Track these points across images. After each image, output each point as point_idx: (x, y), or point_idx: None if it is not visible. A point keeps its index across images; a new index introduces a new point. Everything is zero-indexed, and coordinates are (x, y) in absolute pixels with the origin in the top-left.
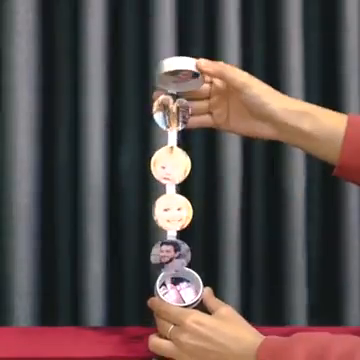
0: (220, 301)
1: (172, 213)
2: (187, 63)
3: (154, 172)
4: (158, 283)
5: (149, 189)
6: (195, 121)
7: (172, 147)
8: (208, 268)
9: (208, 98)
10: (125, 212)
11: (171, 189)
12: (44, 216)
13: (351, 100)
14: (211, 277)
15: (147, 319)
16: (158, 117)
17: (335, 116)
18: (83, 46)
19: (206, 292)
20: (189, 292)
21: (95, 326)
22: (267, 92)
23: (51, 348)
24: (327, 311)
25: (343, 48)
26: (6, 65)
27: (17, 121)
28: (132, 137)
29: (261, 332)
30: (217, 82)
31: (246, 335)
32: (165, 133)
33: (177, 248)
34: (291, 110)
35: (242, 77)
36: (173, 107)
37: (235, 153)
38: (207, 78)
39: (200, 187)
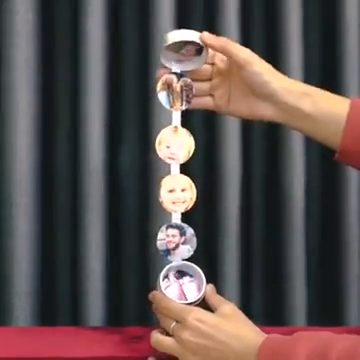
0: (223, 298)
1: (176, 195)
2: (191, 35)
3: (159, 151)
4: (161, 275)
5: (149, 189)
6: (196, 103)
7: (176, 127)
8: (208, 267)
9: (210, 80)
10: (125, 212)
11: (175, 169)
12: (44, 216)
13: (352, 93)
14: (211, 276)
15: (147, 319)
16: (162, 96)
17: (337, 99)
18: (83, 46)
19: (208, 289)
20: (191, 288)
21: (95, 326)
22: (269, 71)
23: (51, 348)
24: (327, 311)
25: (343, 48)
26: (6, 65)
27: (17, 121)
28: (132, 137)
29: None
30: (219, 63)
31: (248, 333)
32: None
33: (182, 232)
34: (292, 90)
35: (245, 53)
36: (177, 86)
37: (235, 151)
38: (208, 59)
39: (200, 185)
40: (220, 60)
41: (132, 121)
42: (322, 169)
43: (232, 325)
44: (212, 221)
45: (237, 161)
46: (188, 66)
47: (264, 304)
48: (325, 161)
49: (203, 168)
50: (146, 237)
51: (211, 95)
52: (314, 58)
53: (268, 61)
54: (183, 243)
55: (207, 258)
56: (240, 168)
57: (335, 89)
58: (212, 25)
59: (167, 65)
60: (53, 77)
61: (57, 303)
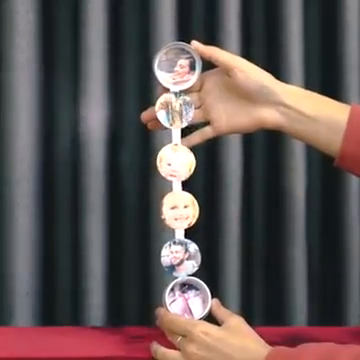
0: (229, 311)
1: (179, 211)
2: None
3: (160, 169)
4: (167, 291)
5: (149, 189)
6: (197, 137)
7: (177, 144)
8: (208, 268)
9: (200, 106)
10: (125, 212)
11: (177, 186)
12: (44, 216)
13: (351, 100)
14: (211, 277)
15: (147, 319)
16: (161, 115)
17: (337, 105)
18: (83, 46)
19: (214, 303)
20: (197, 302)
21: (95, 326)
22: (261, 72)
23: (51, 348)
24: (327, 311)
25: (343, 49)
26: (6, 65)
27: (17, 121)
28: (132, 137)
29: (261, 332)
30: (206, 85)
31: (253, 346)
32: (166, 132)
33: (186, 248)
34: (293, 92)
35: (233, 58)
36: (176, 105)
37: (235, 153)
38: (195, 87)
39: (201, 186)
40: (208, 82)
41: (132, 121)
42: (323, 170)
43: (238, 338)
44: (213, 222)
45: (238, 162)
46: (185, 84)
47: (265, 304)
48: (326, 162)
49: (204, 169)
50: (146, 237)
51: (206, 123)
52: (314, 59)
53: (268, 62)
54: (187, 259)
55: (208, 258)
56: (241, 169)
57: (335, 90)
58: (212, 26)
59: (165, 85)
60: (53, 77)
61: (57, 303)
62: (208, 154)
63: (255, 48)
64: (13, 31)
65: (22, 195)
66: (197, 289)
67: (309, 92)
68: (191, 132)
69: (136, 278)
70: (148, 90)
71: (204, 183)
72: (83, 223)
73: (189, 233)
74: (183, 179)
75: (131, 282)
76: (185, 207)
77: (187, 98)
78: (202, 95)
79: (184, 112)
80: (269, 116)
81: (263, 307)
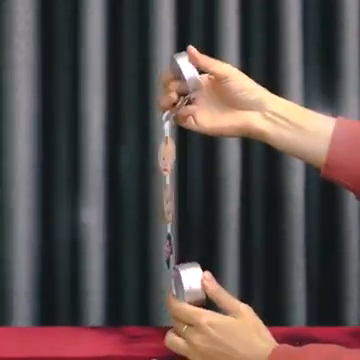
0: (233, 298)
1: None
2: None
3: (161, 164)
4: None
5: (149, 189)
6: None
7: (166, 137)
8: (208, 267)
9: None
10: (125, 212)
11: (167, 180)
12: (44, 216)
13: (350, 100)
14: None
15: (147, 319)
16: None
17: (323, 116)
18: (83, 46)
19: (219, 290)
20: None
21: (94, 326)
22: (249, 80)
23: (50, 348)
24: (327, 311)
25: (343, 49)
26: (6, 65)
27: (17, 121)
28: (132, 137)
29: None
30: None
31: (259, 342)
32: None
33: (170, 241)
34: (281, 102)
35: (226, 67)
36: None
37: (234, 154)
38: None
39: (199, 186)
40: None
41: (132, 121)
42: None
43: (245, 332)
44: (212, 221)
45: (237, 161)
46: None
47: (264, 304)
48: None
49: (203, 169)
50: (145, 237)
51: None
52: (314, 59)
53: (267, 63)
54: (171, 253)
55: (207, 258)
56: (240, 168)
57: (335, 90)
58: (212, 27)
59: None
60: (53, 77)
61: (57, 303)
62: (207, 154)
63: (254, 48)
64: (12, 31)
65: (22, 195)
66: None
67: (297, 105)
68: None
69: (135, 278)
70: (148, 90)
71: (203, 183)
72: (82, 223)
73: (188, 233)
74: (169, 171)
75: (130, 282)
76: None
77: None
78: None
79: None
80: (255, 121)
81: (262, 307)
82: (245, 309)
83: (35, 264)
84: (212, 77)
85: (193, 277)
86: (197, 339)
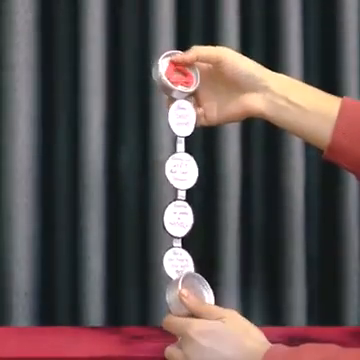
0: (219, 308)
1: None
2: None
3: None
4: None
5: (149, 189)
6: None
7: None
8: (208, 268)
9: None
10: (125, 212)
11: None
12: (44, 216)
13: (352, 94)
14: (211, 277)
15: (147, 319)
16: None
17: (326, 95)
18: (83, 46)
19: (198, 305)
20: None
21: (94, 326)
22: (246, 61)
23: (50, 348)
24: (327, 311)
25: (343, 48)
26: (6, 65)
27: (17, 121)
28: (132, 137)
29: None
30: (201, 78)
31: (250, 344)
32: (165, 132)
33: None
34: (280, 80)
35: (219, 50)
36: None
37: (234, 151)
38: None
39: (199, 186)
40: (203, 75)
41: (132, 121)
42: (322, 168)
43: (233, 336)
44: (212, 221)
45: (237, 161)
46: (189, 88)
47: (264, 304)
48: (325, 162)
49: (203, 168)
50: (145, 238)
51: (200, 111)
52: (314, 59)
53: (267, 61)
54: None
55: (207, 258)
56: (240, 168)
57: (335, 89)
58: (211, 26)
59: (173, 95)
60: (53, 77)
61: (57, 303)
62: (206, 153)
63: (254, 48)
64: (12, 31)
65: (21, 195)
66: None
67: (298, 82)
68: None
69: (135, 278)
70: (148, 90)
71: (202, 182)
72: (83, 223)
73: (188, 234)
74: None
75: (130, 282)
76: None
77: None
78: (198, 88)
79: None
80: (255, 103)
81: (262, 307)
82: (230, 314)
83: (35, 264)
84: (210, 65)
85: (175, 291)
86: (189, 349)
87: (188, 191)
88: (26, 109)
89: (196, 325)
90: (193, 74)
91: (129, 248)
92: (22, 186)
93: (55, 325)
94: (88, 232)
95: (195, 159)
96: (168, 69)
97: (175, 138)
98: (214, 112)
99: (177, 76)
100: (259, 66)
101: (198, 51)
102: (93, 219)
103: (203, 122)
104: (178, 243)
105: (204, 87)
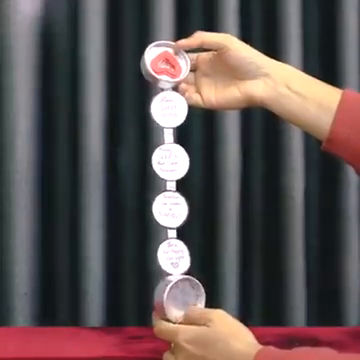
0: (206, 310)
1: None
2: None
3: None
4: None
5: (148, 190)
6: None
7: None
8: (207, 268)
9: (193, 83)
10: (124, 212)
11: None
12: (44, 216)
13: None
14: (210, 277)
15: (146, 319)
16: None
17: (327, 86)
18: (83, 46)
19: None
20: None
21: (94, 326)
22: (250, 49)
23: (50, 348)
24: (327, 311)
25: (343, 48)
26: (6, 66)
27: (17, 121)
28: (132, 137)
29: (260, 332)
30: (200, 65)
31: (239, 347)
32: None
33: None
34: (282, 67)
35: (223, 36)
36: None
37: (234, 151)
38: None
39: (198, 187)
40: (202, 62)
41: (132, 121)
42: (322, 169)
43: (220, 341)
44: (211, 222)
45: (236, 161)
46: (175, 79)
47: (264, 304)
48: (325, 161)
49: (202, 168)
50: (145, 238)
51: (199, 93)
52: (314, 58)
53: (266, 52)
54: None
55: (207, 259)
56: (239, 168)
57: (334, 80)
58: (211, 26)
59: (159, 85)
60: (53, 77)
61: (57, 303)
62: (205, 154)
63: (254, 47)
64: (12, 32)
65: (21, 195)
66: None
67: (300, 72)
68: None
69: (135, 278)
70: (147, 90)
71: (202, 183)
72: (82, 223)
73: (188, 233)
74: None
75: (130, 282)
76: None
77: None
78: (197, 74)
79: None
80: (256, 89)
81: (261, 307)
82: (218, 316)
83: (35, 264)
84: (211, 53)
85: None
86: (181, 357)
87: (188, 191)
88: (26, 109)
89: (182, 334)
90: (182, 64)
91: (129, 248)
92: (22, 186)
93: (55, 325)
94: (88, 232)
95: (195, 159)
96: (155, 59)
97: (162, 130)
98: (212, 97)
99: (164, 67)
100: (261, 54)
101: (203, 37)
102: (93, 219)
103: (200, 102)
104: (173, 234)
105: (204, 74)
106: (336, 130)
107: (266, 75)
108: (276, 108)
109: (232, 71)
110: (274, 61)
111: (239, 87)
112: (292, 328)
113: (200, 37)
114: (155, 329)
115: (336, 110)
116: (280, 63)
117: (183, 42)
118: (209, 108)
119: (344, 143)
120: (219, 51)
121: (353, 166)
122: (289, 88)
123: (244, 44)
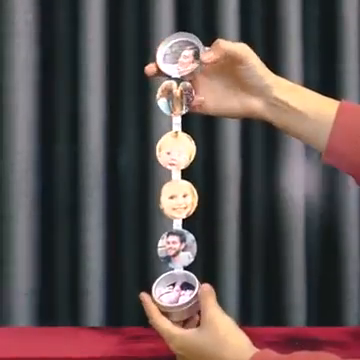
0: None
1: (178, 201)
2: (188, 35)
3: (159, 158)
4: (155, 284)
5: (149, 189)
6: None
7: (177, 132)
8: (207, 268)
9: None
10: (125, 212)
11: (176, 175)
12: (44, 216)
13: (350, 100)
14: (210, 277)
15: (146, 319)
16: (162, 103)
17: (324, 99)
18: (82, 46)
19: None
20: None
21: (94, 326)
22: (262, 65)
23: (50, 348)
24: (327, 311)
25: (343, 48)
26: (6, 65)
27: (17, 121)
28: (132, 137)
29: (260, 332)
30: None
31: (233, 351)
32: (165, 132)
33: (183, 239)
34: (281, 84)
35: (242, 49)
36: (177, 91)
37: (234, 154)
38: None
39: (199, 188)
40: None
41: (132, 121)
42: (322, 170)
43: (212, 347)
44: (212, 223)
45: (237, 164)
46: (187, 70)
47: (264, 304)
48: (325, 164)
49: (203, 171)
50: (146, 237)
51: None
52: (314, 59)
53: (267, 61)
54: (183, 250)
55: (207, 259)
56: (240, 170)
57: (335, 89)
58: (211, 25)
59: (167, 72)
60: (53, 77)
61: (57, 303)
62: (205, 155)
63: (254, 47)
64: (12, 31)
65: (22, 195)
66: (193, 288)
67: (297, 86)
68: None
69: (135, 278)
70: (147, 89)
71: (202, 184)
72: (82, 223)
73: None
74: (182, 167)
75: (130, 282)
76: (184, 196)
77: (187, 84)
78: (199, 77)
79: (185, 99)
80: (259, 107)
81: (262, 307)
82: (211, 318)
83: (35, 264)
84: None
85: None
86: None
87: None
88: (26, 109)
89: (177, 340)
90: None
91: (129, 248)
92: (22, 186)
93: (55, 325)
94: (88, 232)
95: (195, 164)
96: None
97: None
98: (209, 100)
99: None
100: (271, 72)
101: (225, 48)
102: (93, 219)
103: (198, 110)
104: (178, 223)
105: (206, 78)
106: (333, 143)
107: (270, 92)
108: (276, 123)
109: (238, 81)
110: (278, 79)
111: (240, 99)
112: (292, 328)
113: (223, 50)
114: (151, 321)
115: (332, 123)
116: (282, 81)
117: (211, 58)
118: (203, 113)
119: (342, 155)
120: (233, 60)
121: (353, 177)
122: (289, 106)
123: (259, 60)
